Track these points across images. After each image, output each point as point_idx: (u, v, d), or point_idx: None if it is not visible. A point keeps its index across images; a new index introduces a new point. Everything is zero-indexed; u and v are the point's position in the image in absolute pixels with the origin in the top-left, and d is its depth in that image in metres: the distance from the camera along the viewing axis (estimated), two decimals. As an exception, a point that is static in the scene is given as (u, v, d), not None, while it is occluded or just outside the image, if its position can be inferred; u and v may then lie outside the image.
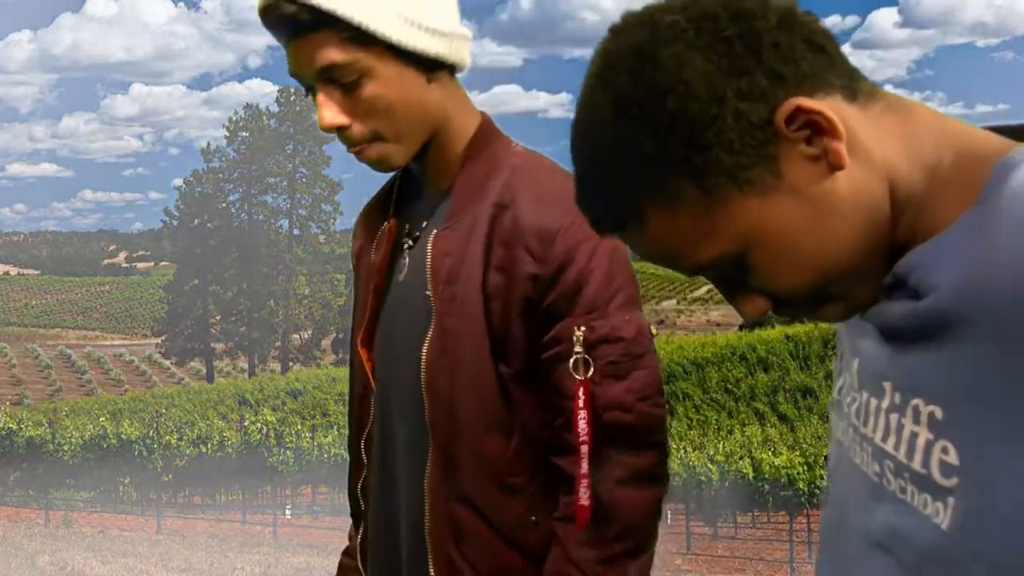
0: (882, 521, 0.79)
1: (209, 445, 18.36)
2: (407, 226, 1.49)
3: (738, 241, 0.77)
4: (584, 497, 1.33)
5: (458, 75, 1.45)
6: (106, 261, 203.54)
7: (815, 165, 0.75)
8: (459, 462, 1.38)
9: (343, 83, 1.34)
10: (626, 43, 0.77)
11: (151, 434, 18.25)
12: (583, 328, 1.33)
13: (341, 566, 1.64)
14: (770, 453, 19.79)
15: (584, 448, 1.32)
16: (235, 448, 18.37)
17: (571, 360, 1.33)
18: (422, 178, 1.49)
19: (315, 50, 1.32)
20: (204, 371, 74.01)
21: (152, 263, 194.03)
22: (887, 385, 0.79)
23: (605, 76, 0.77)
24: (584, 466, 1.32)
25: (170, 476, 18.07)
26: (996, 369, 0.69)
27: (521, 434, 1.38)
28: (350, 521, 1.63)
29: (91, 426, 19.04)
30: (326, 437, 19.63)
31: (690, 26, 0.75)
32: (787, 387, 40.40)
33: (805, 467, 18.41)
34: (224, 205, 75.26)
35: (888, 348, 0.79)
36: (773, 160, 0.75)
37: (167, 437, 18.43)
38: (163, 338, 74.79)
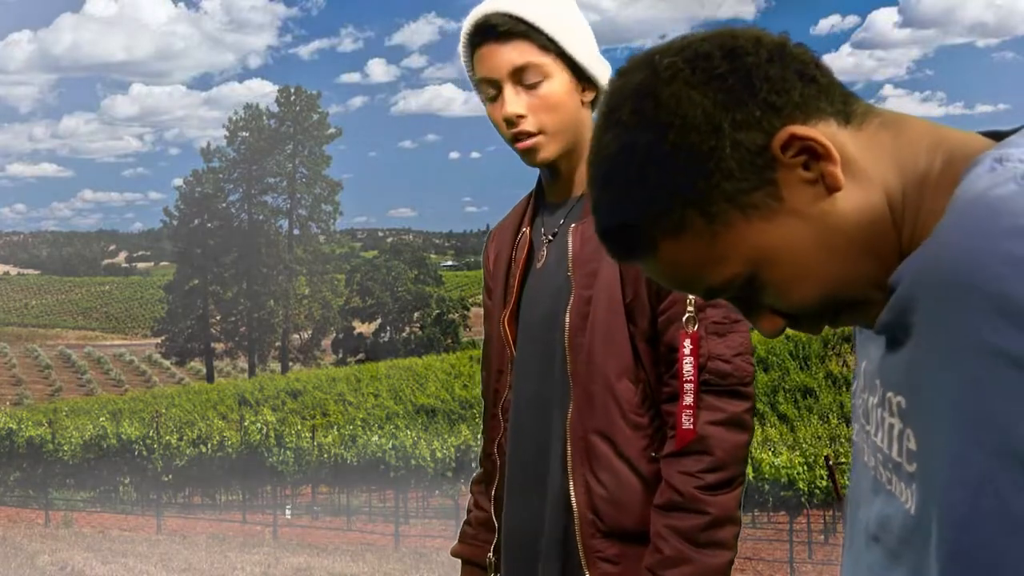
0: (876, 512, 0.83)
1: (209, 445, 18.34)
2: (543, 229, 1.81)
3: (747, 263, 0.81)
4: (687, 423, 1.61)
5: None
6: (106, 261, 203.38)
7: (814, 188, 0.80)
8: (595, 402, 1.67)
9: (528, 83, 1.67)
10: (629, 84, 0.83)
11: (151, 434, 18.21)
12: None
13: (463, 534, 1.95)
14: (770, 453, 19.74)
15: (689, 386, 1.61)
16: (235, 448, 18.34)
17: (683, 317, 1.63)
18: (556, 189, 1.79)
19: (516, 52, 1.66)
20: (204, 371, 74.07)
21: (152, 263, 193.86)
22: (878, 382, 0.83)
23: (611, 115, 0.83)
24: (688, 399, 1.61)
25: (170, 476, 18.05)
26: (925, 355, 0.73)
27: (645, 383, 1.67)
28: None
29: (91, 426, 18.99)
30: (326, 437, 19.60)
31: (686, 66, 0.80)
32: (787, 387, 40.41)
33: (805, 467, 18.37)
34: (224, 205, 75.31)
35: (881, 348, 0.83)
36: (773, 185, 0.79)
37: (167, 437, 18.41)
38: (163, 338, 74.89)
